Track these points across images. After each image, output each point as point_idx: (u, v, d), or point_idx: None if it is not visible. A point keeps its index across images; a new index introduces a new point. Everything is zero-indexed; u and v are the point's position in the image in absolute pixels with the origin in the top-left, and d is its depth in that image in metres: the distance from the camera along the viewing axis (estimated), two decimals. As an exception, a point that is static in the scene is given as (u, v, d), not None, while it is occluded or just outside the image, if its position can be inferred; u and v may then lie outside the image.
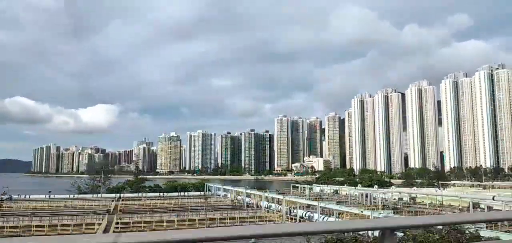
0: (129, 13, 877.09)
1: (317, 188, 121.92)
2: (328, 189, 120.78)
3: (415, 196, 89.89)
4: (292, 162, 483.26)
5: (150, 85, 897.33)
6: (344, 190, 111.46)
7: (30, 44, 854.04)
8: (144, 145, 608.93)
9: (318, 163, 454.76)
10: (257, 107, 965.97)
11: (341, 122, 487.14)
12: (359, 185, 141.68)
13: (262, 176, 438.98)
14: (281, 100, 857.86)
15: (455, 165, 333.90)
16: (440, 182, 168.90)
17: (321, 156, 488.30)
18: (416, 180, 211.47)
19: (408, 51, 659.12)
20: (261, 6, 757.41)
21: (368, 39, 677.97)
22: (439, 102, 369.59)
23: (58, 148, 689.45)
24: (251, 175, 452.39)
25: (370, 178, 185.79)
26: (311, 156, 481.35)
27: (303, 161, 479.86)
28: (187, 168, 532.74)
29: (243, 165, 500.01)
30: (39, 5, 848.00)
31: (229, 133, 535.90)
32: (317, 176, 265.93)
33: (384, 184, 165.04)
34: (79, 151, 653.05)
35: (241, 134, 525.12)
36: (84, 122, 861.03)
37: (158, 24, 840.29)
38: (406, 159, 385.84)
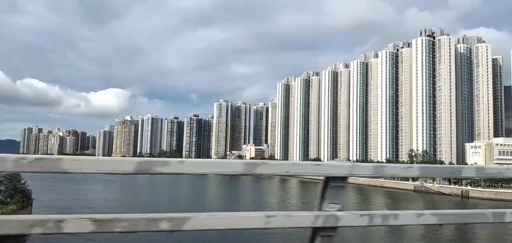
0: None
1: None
2: None
3: None
4: (231, 150, 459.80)
5: (162, 71, 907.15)
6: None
7: (51, 28, 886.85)
8: (106, 129, 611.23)
9: (250, 152, 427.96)
10: (266, 94, 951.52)
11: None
12: None
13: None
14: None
15: (358, 158, 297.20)
16: None
17: (266, 144, 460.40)
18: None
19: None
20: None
21: (370, 22, 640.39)
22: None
23: (40, 130, 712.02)
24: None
25: None
26: (248, 145, 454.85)
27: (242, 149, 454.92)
28: (137, 152, 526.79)
29: (183, 151, 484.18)
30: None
31: (176, 118, 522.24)
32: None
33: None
34: (52, 133, 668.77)
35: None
36: (95, 105, 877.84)
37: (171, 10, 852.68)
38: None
